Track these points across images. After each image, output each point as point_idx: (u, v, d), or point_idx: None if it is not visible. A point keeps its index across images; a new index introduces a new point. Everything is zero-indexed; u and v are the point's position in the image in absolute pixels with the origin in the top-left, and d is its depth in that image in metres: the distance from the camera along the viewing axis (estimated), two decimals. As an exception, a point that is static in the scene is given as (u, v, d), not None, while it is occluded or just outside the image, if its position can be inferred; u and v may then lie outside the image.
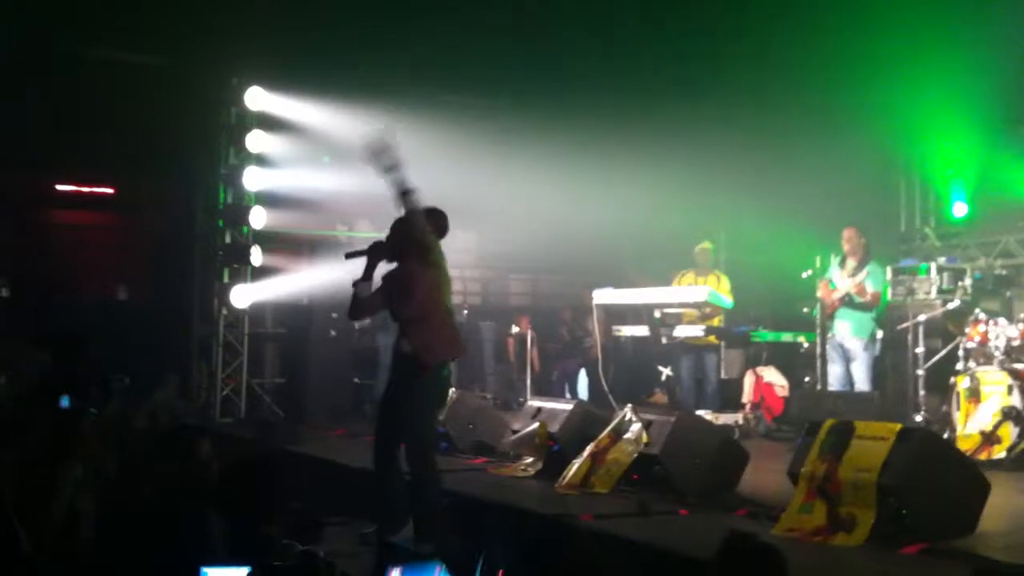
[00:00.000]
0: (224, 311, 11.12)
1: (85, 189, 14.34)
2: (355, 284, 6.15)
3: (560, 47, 11.29)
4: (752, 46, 10.68)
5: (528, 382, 11.82)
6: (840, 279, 9.34)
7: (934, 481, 5.39)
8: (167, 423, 7.17)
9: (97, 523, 4.02)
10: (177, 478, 4.36)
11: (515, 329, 12.81)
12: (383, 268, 6.25)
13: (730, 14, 10.56)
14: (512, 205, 12.13)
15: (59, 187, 14.23)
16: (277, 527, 5.13)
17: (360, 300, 6.19)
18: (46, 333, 8.55)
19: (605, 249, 12.00)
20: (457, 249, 6.54)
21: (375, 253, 6.09)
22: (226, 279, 11.18)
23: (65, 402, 6.65)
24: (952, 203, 11.44)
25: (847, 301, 9.19)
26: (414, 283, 6.08)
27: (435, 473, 6.09)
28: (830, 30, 9.96)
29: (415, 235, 6.01)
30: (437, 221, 6.23)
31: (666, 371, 10.64)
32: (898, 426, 5.79)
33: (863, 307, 9.13)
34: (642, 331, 10.23)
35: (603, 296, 10.12)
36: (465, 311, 12.16)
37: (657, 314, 9.95)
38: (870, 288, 9.11)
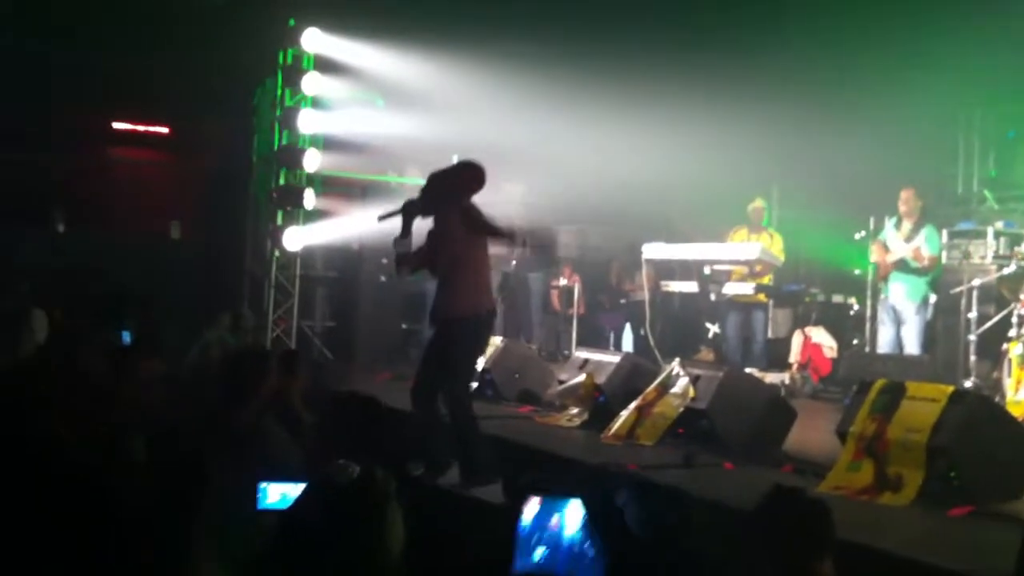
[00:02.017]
0: (276, 253, 11.22)
1: (141, 128, 14.48)
2: (395, 242, 6.23)
3: (619, 2, 11.19)
4: (810, 1, 10.52)
5: (574, 333, 11.84)
6: (896, 242, 9.23)
7: (984, 444, 5.37)
8: (218, 359, 7.30)
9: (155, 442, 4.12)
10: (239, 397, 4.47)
11: (561, 280, 12.82)
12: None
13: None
14: (561, 156, 12.08)
15: (116, 125, 14.38)
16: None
17: (401, 257, 6.28)
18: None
19: (655, 202, 11.92)
20: (504, 200, 6.56)
21: (409, 211, 6.13)
22: (279, 221, 11.26)
23: (126, 337, 6.79)
24: (1009, 165, 11.25)
25: (902, 265, 9.11)
26: (445, 238, 6.13)
27: (470, 419, 6.15)
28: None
29: (445, 190, 6.08)
30: (472, 175, 6.24)
31: (714, 328, 10.61)
32: (950, 388, 5.77)
33: (918, 271, 9.03)
34: (691, 287, 10.22)
35: (652, 250, 10.09)
36: (513, 262, 12.18)
37: (707, 270, 9.92)
38: (927, 252, 9.00)
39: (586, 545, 2.00)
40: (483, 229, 6.10)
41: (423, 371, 6.27)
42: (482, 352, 7.01)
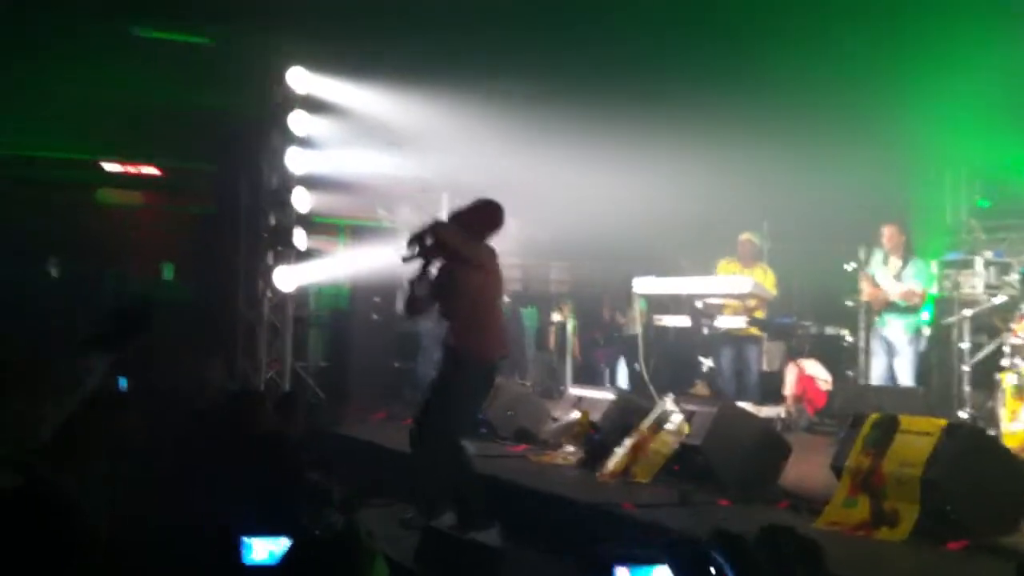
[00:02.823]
0: (269, 294, 11.20)
1: (132, 169, 14.50)
2: (410, 282, 6.25)
3: (605, 34, 11.23)
4: (798, 35, 10.58)
5: (568, 370, 11.83)
6: (884, 278, 9.27)
7: (979, 477, 5.36)
8: (215, 399, 7.29)
9: (133, 497, 4.10)
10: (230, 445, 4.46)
11: (556, 317, 12.82)
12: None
13: (774, 3, 10.47)
14: (553, 192, 12.11)
15: (106, 166, 14.40)
16: (316, 501, 5.23)
17: (416, 298, 6.29)
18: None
19: (647, 237, 11.94)
20: (497, 236, 6.63)
21: (430, 252, 6.15)
22: (270, 261, 11.25)
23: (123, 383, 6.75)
24: (997, 195, 11.30)
25: (893, 306, 9.16)
26: (457, 286, 6.14)
27: (465, 464, 6.13)
28: (876, 16, 9.84)
29: (452, 247, 6.11)
30: (490, 215, 6.28)
31: (707, 362, 10.61)
32: (943, 421, 5.77)
33: (910, 307, 9.10)
34: (683, 321, 10.22)
35: (644, 285, 10.11)
36: (506, 298, 12.18)
37: (699, 304, 9.92)
38: (917, 289, 9.08)
39: None
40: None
41: (423, 412, 6.26)
42: (485, 398, 6.97)
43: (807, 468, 6.96)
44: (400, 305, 6.76)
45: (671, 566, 1.61)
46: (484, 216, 6.26)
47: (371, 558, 2.33)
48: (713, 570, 1.57)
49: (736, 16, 10.52)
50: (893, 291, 9.15)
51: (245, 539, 3.03)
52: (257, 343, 11.10)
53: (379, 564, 2.34)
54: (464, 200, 6.50)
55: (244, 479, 4.51)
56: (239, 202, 11.91)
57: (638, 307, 10.32)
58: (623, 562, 2.08)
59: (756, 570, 1.50)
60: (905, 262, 9.20)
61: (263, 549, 3.01)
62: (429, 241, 6.10)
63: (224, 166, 12.18)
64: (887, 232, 9.27)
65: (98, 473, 3.64)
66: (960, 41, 9.29)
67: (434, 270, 6.25)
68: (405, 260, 6.23)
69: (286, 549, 2.35)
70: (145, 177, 14.61)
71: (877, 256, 9.43)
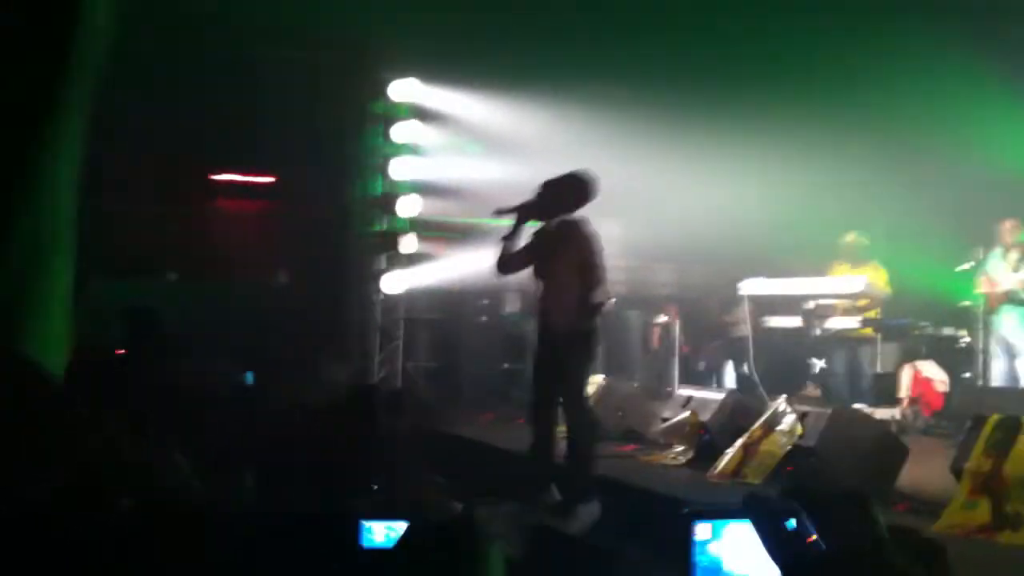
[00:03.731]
0: (380, 296, 11.44)
1: (246, 179, 14.91)
2: (503, 239, 6.36)
3: (711, 36, 11.18)
4: (909, 28, 10.37)
5: (675, 371, 11.76)
6: (1002, 273, 9.03)
7: (1108, 480, 5.20)
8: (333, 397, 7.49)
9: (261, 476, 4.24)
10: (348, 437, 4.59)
11: (662, 318, 12.77)
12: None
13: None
14: (657, 194, 12.08)
15: (221, 176, 14.83)
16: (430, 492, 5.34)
17: (507, 255, 6.39)
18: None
19: (754, 238, 11.82)
20: (602, 239, 6.70)
21: (525, 212, 6.28)
22: (382, 265, 11.49)
23: (250, 378, 7.01)
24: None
25: (1012, 296, 8.89)
26: (567, 246, 6.24)
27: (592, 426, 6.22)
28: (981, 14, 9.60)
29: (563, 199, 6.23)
30: (582, 187, 6.37)
31: (819, 363, 10.45)
32: (1069, 423, 5.61)
33: (1028, 300, 8.83)
34: (794, 322, 10.10)
35: (751, 286, 10.02)
36: (612, 300, 12.17)
37: (810, 305, 9.79)
38: (1037, 282, 8.81)
39: (755, 566, 1.99)
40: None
41: (540, 388, 6.32)
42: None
43: (924, 471, 6.82)
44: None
45: (751, 519, 1.62)
46: (576, 188, 6.36)
47: (487, 545, 2.36)
48: (794, 522, 1.57)
49: (848, 15, 10.37)
50: (1009, 282, 8.89)
51: (365, 523, 3.12)
52: (369, 344, 11.34)
53: (495, 553, 2.37)
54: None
55: (361, 470, 4.64)
56: (350, 208, 12.20)
57: (746, 308, 10.22)
58: (703, 518, 2.09)
59: (836, 523, 1.51)
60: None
61: (382, 532, 3.10)
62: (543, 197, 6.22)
63: (335, 174, 12.47)
64: (1006, 227, 9.04)
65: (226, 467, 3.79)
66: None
67: (528, 229, 6.37)
68: (497, 213, 6.35)
69: (403, 532, 2.42)
70: (259, 186, 15.00)
71: (995, 253, 9.18)
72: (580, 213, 6.40)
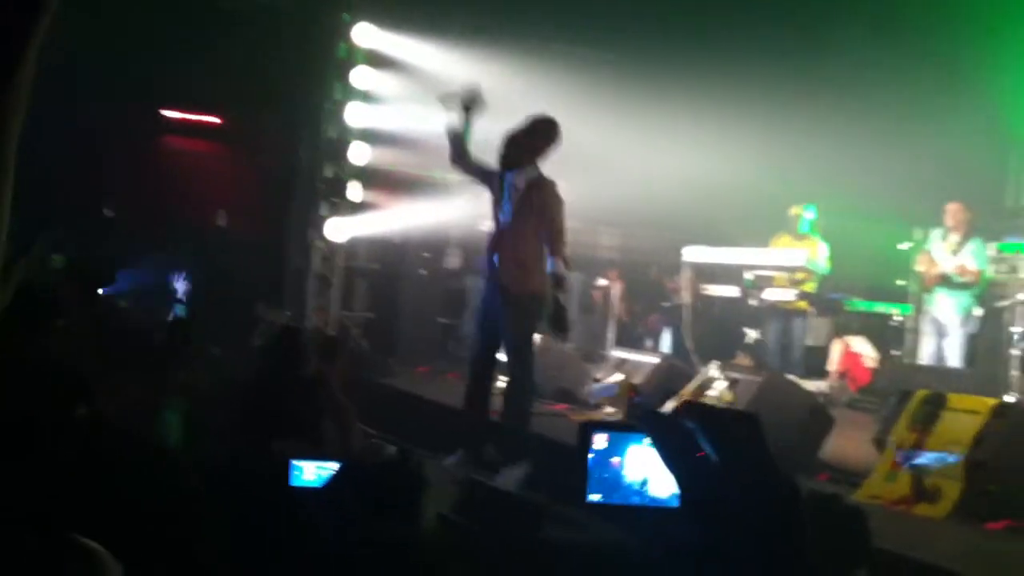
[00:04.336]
0: (320, 244, 11.31)
1: (193, 118, 14.64)
2: (452, 133, 6.34)
3: (670, 4, 11.17)
4: (859, 6, 10.44)
5: (611, 334, 11.84)
6: (942, 254, 9.17)
7: (1025, 459, 5.33)
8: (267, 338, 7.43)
9: (188, 420, 4.20)
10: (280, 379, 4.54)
11: (603, 281, 12.82)
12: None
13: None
14: (606, 157, 12.07)
15: (167, 114, 14.56)
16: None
17: (460, 149, 6.47)
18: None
19: (699, 207, 11.86)
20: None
21: (472, 108, 6.30)
22: (324, 212, 11.36)
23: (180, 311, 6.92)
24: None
25: (947, 279, 9.05)
26: (532, 201, 6.23)
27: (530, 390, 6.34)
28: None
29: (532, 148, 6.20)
30: (546, 132, 6.36)
31: (753, 333, 10.56)
32: (993, 401, 5.73)
33: (962, 285, 8.97)
34: (732, 291, 10.18)
35: (694, 254, 10.08)
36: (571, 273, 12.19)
37: (749, 276, 9.88)
38: (972, 267, 8.94)
39: (654, 477, 2.01)
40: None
41: (484, 345, 6.32)
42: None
43: (847, 442, 6.94)
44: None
45: (649, 433, 1.64)
46: (540, 134, 6.33)
47: (420, 491, 2.35)
48: (689, 437, 1.60)
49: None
50: (947, 265, 9.05)
51: (295, 462, 3.09)
52: (305, 290, 11.23)
53: (427, 500, 2.36)
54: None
55: (290, 413, 4.60)
56: (297, 153, 12.02)
57: (687, 275, 10.28)
58: (601, 429, 2.11)
59: (727, 440, 1.53)
60: (965, 240, 9.08)
61: (312, 472, 3.07)
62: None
63: (285, 117, 12.27)
64: (951, 209, 9.16)
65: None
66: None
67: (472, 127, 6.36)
68: (443, 101, 6.33)
69: (335, 472, 2.39)
70: (205, 125, 14.75)
71: (936, 234, 9.32)
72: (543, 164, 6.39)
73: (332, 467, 2.79)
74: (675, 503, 1.63)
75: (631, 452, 2.04)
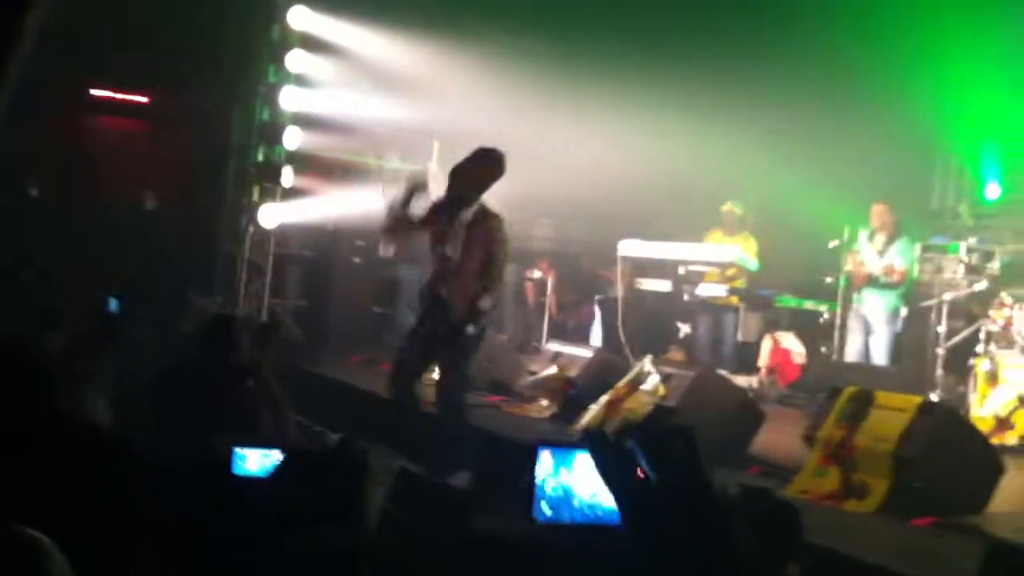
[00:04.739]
0: (251, 229, 11.15)
1: (119, 96, 14.31)
2: (392, 207, 6.30)
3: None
4: (790, 8, 10.58)
5: (544, 326, 11.86)
6: (869, 254, 9.35)
7: (950, 457, 5.46)
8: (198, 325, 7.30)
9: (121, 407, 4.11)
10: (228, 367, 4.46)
11: (536, 273, 12.83)
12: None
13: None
14: (541, 148, 12.07)
15: (93, 92, 14.21)
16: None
17: (394, 224, 6.35)
18: None
19: (633, 200, 11.93)
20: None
21: (416, 187, 6.27)
22: (256, 197, 11.19)
23: (114, 305, 6.76)
24: (986, 183, 11.36)
25: (874, 279, 9.23)
26: (478, 232, 6.23)
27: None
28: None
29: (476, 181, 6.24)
30: (492, 166, 6.34)
31: (684, 328, 10.67)
32: (919, 399, 5.86)
33: (889, 284, 9.16)
34: (664, 286, 10.27)
35: (628, 247, 10.13)
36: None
37: (681, 270, 9.97)
38: (898, 266, 9.14)
39: (599, 494, 2.03)
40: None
41: (412, 357, 6.32)
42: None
43: (777, 437, 7.05)
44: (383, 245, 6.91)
45: (590, 453, 1.67)
46: (486, 167, 6.30)
47: (366, 474, 2.33)
48: (627, 456, 1.63)
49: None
50: (874, 265, 9.23)
51: (238, 450, 3.03)
52: (236, 278, 11.06)
53: (371, 478, 2.33)
54: (453, 149, 6.52)
55: (224, 401, 4.52)
56: (228, 136, 11.82)
57: (620, 269, 10.34)
58: (547, 445, 2.14)
59: (670, 463, 1.56)
60: (891, 240, 9.27)
61: (256, 461, 3.02)
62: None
63: (216, 99, 12.05)
64: (876, 210, 9.35)
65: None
66: (958, 21, 9.31)
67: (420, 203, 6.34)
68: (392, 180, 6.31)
69: (278, 461, 2.35)
70: (134, 105, 14.43)
71: (863, 234, 9.50)
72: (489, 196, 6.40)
73: (275, 455, 2.74)
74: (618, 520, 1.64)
75: (578, 465, 2.06)
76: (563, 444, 2.12)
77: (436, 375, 6.65)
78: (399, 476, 5.50)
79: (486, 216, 6.31)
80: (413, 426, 6.23)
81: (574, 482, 2.09)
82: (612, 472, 1.61)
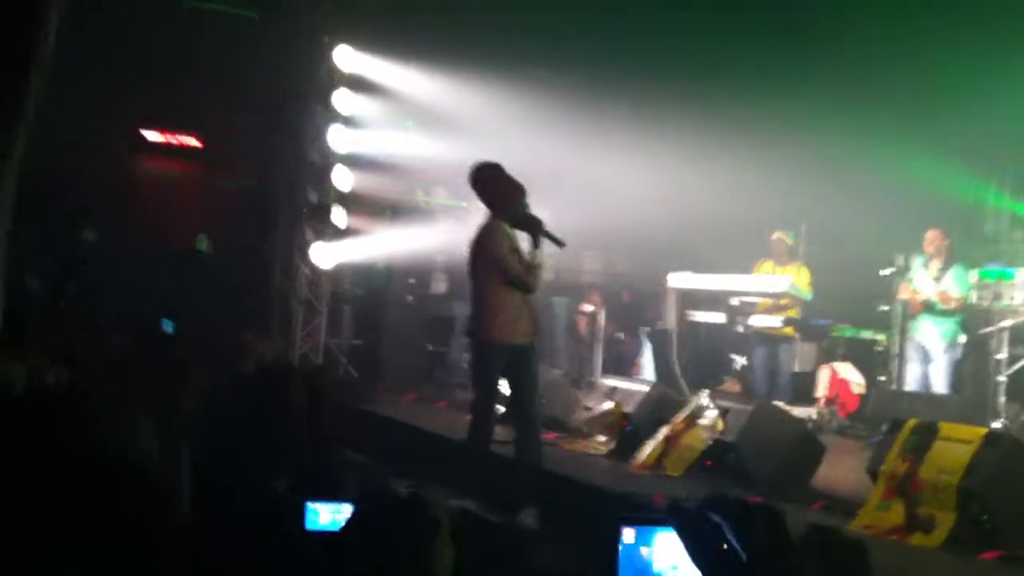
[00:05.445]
0: (305, 270, 11.28)
1: (174, 140, 14.57)
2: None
3: (652, 25, 11.24)
4: (842, 34, 10.55)
5: (598, 360, 11.83)
6: (924, 281, 9.25)
7: (1018, 488, 5.35)
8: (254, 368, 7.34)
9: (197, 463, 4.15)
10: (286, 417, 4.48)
11: (587, 307, 12.83)
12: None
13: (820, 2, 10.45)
14: (590, 182, 12.11)
15: (148, 136, 14.48)
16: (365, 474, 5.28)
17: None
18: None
19: (683, 232, 11.92)
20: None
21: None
22: (309, 237, 11.33)
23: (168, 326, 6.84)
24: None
25: (929, 305, 9.13)
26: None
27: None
28: (919, 16, 9.78)
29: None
30: (503, 186, 6.38)
31: (739, 360, 10.60)
32: (984, 430, 5.77)
33: (946, 311, 9.06)
34: (717, 318, 10.22)
35: (678, 280, 10.11)
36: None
37: (734, 302, 9.92)
38: (954, 293, 9.02)
39: (679, 567, 2.02)
40: None
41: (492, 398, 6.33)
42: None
43: (838, 470, 6.97)
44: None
45: (676, 528, 1.66)
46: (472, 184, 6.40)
47: (436, 528, 2.34)
48: (714, 530, 1.62)
49: (780, 13, 10.48)
50: (929, 292, 9.12)
51: (310, 504, 3.05)
52: (292, 318, 11.18)
53: (443, 535, 2.35)
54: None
55: (282, 447, 4.54)
56: (279, 177, 11.99)
57: (672, 301, 10.31)
58: (630, 523, 2.13)
59: (758, 539, 1.55)
60: (946, 267, 9.16)
61: (328, 515, 3.04)
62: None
63: (266, 141, 12.25)
64: (930, 236, 9.24)
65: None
66: (1008, 45, 9.22)
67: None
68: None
69: (350, 515, 2.37)
70: (186, 148, 14.68)
71: (917, 261, 9.40)
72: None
73: (346, 509, 2.76)
74: None
75: (659, 541, 2.06)
76: (646, 521, 2.11)
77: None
78: (460, 517, 5.52)
79: (479, 227, 6.48)
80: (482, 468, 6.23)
81: (654, 556, 2.09)
82: (697, 543, 1.60)
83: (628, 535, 2.06)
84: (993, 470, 5.36)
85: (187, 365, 4.95)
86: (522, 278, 6.21)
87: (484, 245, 6.26)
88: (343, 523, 2.45)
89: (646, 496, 6.00)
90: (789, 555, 1.68)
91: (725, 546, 1.60)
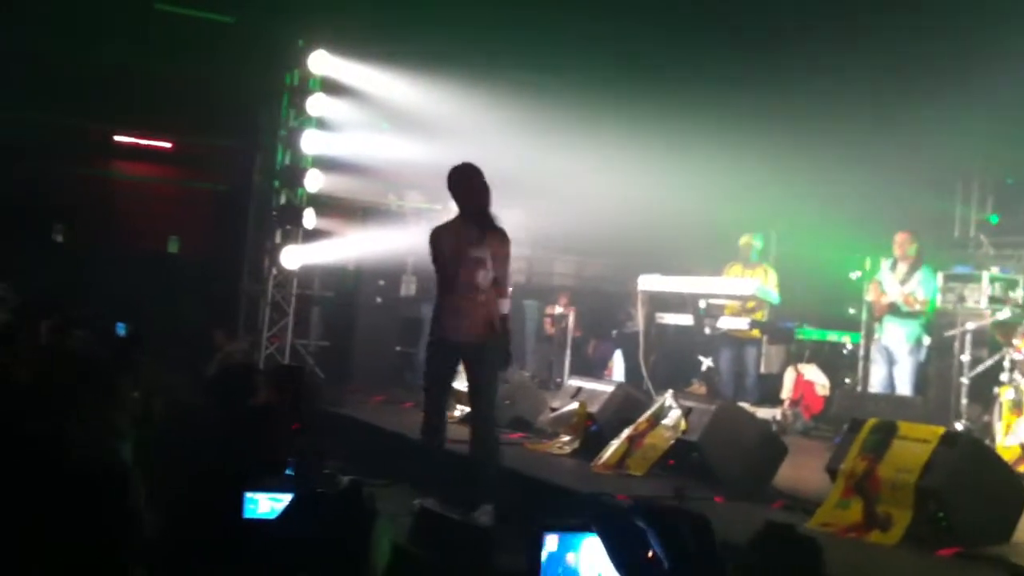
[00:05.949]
0: (274, 271, 11.24)
1: (144, 142, 14.52)
2: None
3: (623, 31, 11.28)
4: (812, 41, 10.62)
5: (567, 362, 11.86)
6: (890, 284, 9.30)
7: (974, 487, 5.39)
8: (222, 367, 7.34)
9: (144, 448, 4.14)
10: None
11: (557, 309, 12.86)
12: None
13: (789, 9, 10.52)
14: (562, 186, 12.14)
15: (118, 138, 14.43)
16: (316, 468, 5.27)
17: None
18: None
19: (653, 236, 11.97)
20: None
21: None
22: (278, 240, 11.29)
23: (121, 329, 6.82)
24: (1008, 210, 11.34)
25: (895, 307, 9.19)
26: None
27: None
28: (888, 26, 9.86)
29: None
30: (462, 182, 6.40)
31: (706, 361, 10.64)
32: (942, 430, 5.79)
33: (911, 313, 9.11)
34: (685, 320, 10.24)
35: (648, 282, 10.13)
36: (510, 289, 12.20)
37: (702, 304, 9.95)
38: (920, 296, 9.08)
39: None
40: None
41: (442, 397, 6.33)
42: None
43: (801, 471, 7.00)
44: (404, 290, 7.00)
45: (599, 534, 1.64)
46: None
47: (374, 518, 2.34)
48: (639, 538, 1.60)
49: (751, 19, 10.54)
50: (895, 294, 9.18)
51: (248, 494, 3.06)
52: (259, 318, 11.15)
53: (382, 526, 2.34)
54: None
55: (241, 445, 4.54)
56: (250, 179, 11.96)
57: (641, 303, 10.33)
58: (553, 530, 2.11)
59: (684, 546, 1.54)
60: (913, 269, 9.22)
61: (267, 504, 3.04)
62: None
63: (238, 143, 12.22)
64: (899, 239, 9.29)
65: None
66: (977, 51, 9.30)
67: None
68: None
69: (286, 504, 2.37)
70: (157, 150, 14.63)
71: (885, 264, 9.46)
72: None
73: (284, 498, 2.76)
74: None
75: (586, 547, 2.05)
76: (570, 528, 2.09)
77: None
78: (419, 515, 5.51)
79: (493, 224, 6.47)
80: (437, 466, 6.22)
81: (580, 563, 2.07)
82: (622, 554, 1.58)
83: (551, 542, 2.04)
84: (950, 469, 5.39)
85: (140, 367, 4.94)
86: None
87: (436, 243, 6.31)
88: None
89: (608, 495, 6.02)
90: (714, 562, 1.66)
91: (650, 553, 1.58)
